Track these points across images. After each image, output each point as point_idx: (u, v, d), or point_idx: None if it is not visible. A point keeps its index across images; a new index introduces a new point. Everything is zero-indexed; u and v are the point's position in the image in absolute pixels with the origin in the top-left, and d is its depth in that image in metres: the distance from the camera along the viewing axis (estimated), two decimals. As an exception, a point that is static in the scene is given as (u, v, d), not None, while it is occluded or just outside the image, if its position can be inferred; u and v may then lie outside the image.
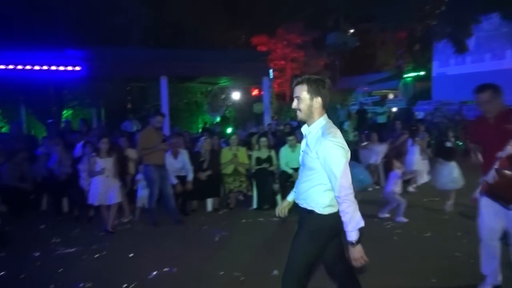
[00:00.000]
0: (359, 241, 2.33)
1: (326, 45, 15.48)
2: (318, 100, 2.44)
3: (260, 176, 6.62)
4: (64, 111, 13.83)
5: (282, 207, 2.85)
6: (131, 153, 6.59)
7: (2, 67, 9.24)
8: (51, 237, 5.19)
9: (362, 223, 2.32)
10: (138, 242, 5.01)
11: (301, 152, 2.60)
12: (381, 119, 14.42)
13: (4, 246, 4.69)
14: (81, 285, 3.76)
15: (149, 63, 10.84)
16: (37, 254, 4.62)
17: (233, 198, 6.70)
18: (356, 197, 2.33)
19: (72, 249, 4.78)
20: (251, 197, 6.67)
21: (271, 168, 6.74)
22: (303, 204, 2.53)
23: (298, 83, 2.48)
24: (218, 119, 16.52)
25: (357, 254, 2.35)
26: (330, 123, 2.46)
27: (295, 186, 2.68)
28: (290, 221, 5.78)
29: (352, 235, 2.32)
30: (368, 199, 6.81)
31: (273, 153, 6.88)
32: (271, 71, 13.10)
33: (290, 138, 6.73)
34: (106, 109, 15.88)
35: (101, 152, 5.43)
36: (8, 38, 9.60)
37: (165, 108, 11.14)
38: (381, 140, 8.14)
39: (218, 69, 12.22)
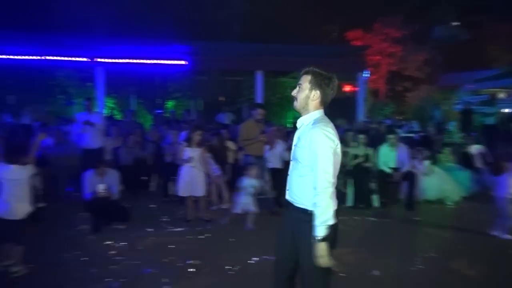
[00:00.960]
0: (325, 238, 2.18)
1: (431, 39, 14.43)
2: (316, 93, 2.35)
3: (357, 174, 6.48)
4: (167, 102, 14.98)
5: None
6: (231, 144, 6.91)
7: (119, 61, 10.31)
8: (160, 216, 5.69)
9: (331, 221, 2.19)
10: (237, 228, 5.26)
11: (293, 146, 2.45)
12: (490, 121, 13.08)
13: (126, 221, 5.27)
14: (190, 262, 4.08)
15: (246, 57, 11.24)
16: (150, 230, 5.12)
17: (328, 194, 6.65)
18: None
19: (179, 229, 5.21)
20: (345, 194, 6.56)
21: (367, 165, 6.58)
22: (298, 203, 2.35)
23: (304, 73, 2.41)
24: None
25: (321, 251, 2.18)
26: (326, 118, 2.37)
27: (287, 183, 2.49)
28: (387, 222, 5.64)
29: (320, 230, 2.18)
30: (477, 211, 6.27)
31: (370, 151, 6.70)
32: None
33: (391, 136, 6.49)
34: (203, 101, 16.86)
35: (191, 142, 5.46)
36: (124, 34, 10.66)
37: (259, 101, 11.46)
38: (491, 144, 7.36)
39: (312, 64, 12.18)
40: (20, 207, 3.82)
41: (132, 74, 11.89)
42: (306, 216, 2.26)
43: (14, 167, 3.77)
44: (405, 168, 6.43)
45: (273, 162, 6.47)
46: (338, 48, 13.66)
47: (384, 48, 18.40)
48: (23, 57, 9.87)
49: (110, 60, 10.09)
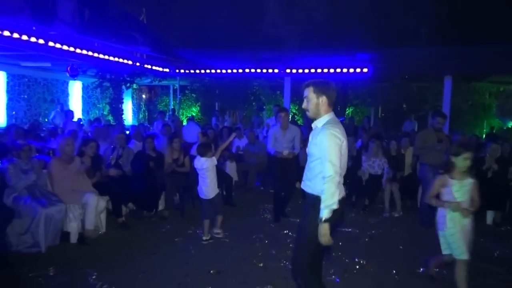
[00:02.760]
0: (328, 220, 2.54)
1: None
2: (323, 99, 2.70)
3: None
4: (347, 109, 15.37)
5: None
6: (410, 151, 6.80)
7: (304, 71, 11.23)
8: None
9: (335, 206, 2.54)
10: (410, 238, 5.22)
11: (308, 144, 2.78)
12: None
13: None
14: (356, 259, 4.35)
15: (434, 62, 10.58)
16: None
17: (523, 216, 5.81)
18: None
19: (349, 230, 5.50)
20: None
21: None
22: (309, 190, 2.75)
23: (306, 86, 2.76)
24: (510, 124, 14.20)
25: (323, 230, 2.55)
26: (335, 120, 2.72)
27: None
28: None
29: (325, 212, 2.54)
30: None
31: None
32: None
33: None
34: (383, 108, 16.57)
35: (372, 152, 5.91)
36: (310, 47, 11.51)
37: (446, 109, 10.63)
38: None
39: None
40: (210, 189, 4.89)
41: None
42: (312, 200, 2.68)
43: (202, 159, 4.84)
44: None
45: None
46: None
47: None
48: (228, 71, 11.86)
49: (296, 71, 11.11)
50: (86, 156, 5.13)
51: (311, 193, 2.74)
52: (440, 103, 11.70)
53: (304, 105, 2.80)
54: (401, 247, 4.84)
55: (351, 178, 6.92)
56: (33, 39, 7.45)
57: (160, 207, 5.99)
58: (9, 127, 7.09)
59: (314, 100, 2.72)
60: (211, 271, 3.97)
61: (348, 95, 14.69)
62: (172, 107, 16.38)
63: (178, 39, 11.96)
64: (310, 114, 2.77)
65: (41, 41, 7.66)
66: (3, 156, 4.71)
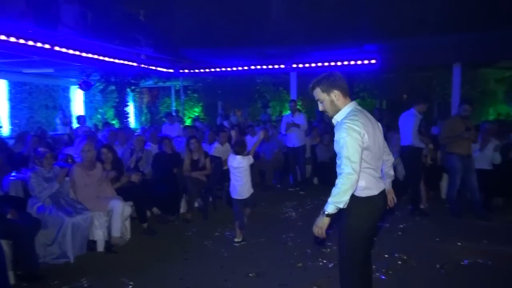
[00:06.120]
0: (330, 216, 2.38)
1: None
2: (336, 93, 2.49)
3: None
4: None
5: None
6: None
7: (311, 65, 11.08)
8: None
9: (343, 205, 2.35)
10: (443, 229, 5.10)
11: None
12: None
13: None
14: (396, 255, 4.22)
15: (441, 50, 10.46)
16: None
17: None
18: None
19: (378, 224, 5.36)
20: None
21: None
22: None
23: (312, 89, 2.57)
24: (518, 110, 14.15)
25: (321, 223, 2.41)
26: (356, 110, 2.48)
27: None
28: None
29: (330, 207, 2.37)
30: None
31: None
32: None
33: None
34: (387, 100, 16.42)
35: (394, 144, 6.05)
36: (317, 41, 11.33)
37: (456, 98, 10.54)
38: None
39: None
40: (245, 188, 4.73)
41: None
42: (351, 199, 2.39)
43: (239, 158, 4.67)
44: None
45: (481, 162, 5.95)
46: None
47: None
48: (234, 69, 11.69)
49: (303, 65, 10.97)
50: (107, 162, 4.97)
51: None
52: (448, 91, 11.58)
53: (321, 109, 2.59)
54: (437, 239, 4.72)
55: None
56: (39, 44, 7.28)
57: (182, 210, 5.84)
58: (21, 134, 6.90)
59: (327, 99, 2.53)
60: (250, 274, 3.82)
61: (353, 88, 14.56)
62: (175, 108, 16.19)
63: (181, 38, 11.77)
64: (330, 114, 2.56)
65: (46, 46, 7.48)
66: (23, 166, 4.54)
